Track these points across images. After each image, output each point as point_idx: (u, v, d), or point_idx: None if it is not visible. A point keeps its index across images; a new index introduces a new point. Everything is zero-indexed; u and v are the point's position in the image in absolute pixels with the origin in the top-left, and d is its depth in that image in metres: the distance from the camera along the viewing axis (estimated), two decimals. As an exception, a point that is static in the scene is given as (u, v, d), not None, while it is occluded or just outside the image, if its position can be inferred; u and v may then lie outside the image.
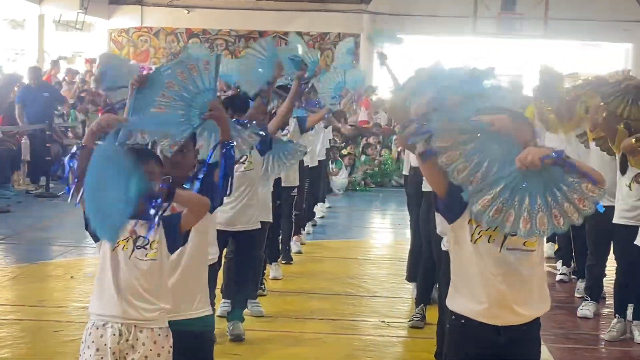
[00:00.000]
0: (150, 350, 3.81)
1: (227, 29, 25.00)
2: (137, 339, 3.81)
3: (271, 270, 8.45)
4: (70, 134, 17.04)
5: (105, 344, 3.79)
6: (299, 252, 9.84)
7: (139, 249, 3.84)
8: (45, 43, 22.65)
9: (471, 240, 3.58)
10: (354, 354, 6.42)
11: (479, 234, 3.57)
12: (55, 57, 21.87)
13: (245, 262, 6.58)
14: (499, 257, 3.56)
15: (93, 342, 3.82)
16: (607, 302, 7.82)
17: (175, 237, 3.92)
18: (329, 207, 13.31)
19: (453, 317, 3.70)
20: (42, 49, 22.35)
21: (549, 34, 22.84)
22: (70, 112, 17.27)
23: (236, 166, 6.21)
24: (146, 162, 3.82)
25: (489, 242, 3.57)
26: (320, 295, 8.09)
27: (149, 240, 3.85)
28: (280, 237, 8.92)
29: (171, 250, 3.95)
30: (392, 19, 24.01)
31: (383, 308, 7.72)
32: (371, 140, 18.12)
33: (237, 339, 6.48)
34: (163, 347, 3.85)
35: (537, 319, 3.68)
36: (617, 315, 6.86)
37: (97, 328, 3.83)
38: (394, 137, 18.28)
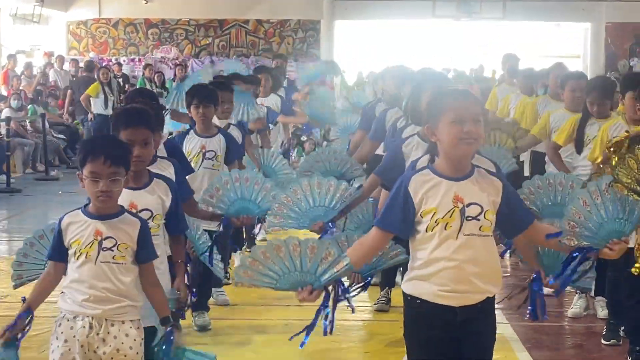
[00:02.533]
0: (122, 343, 3.80)
1: (187, 19, 24.86)
2: (109, 333, 3.80)
3: (235, 259, 8.41)
4: (29, 128, 16.90)
5: (74, 336, 3.78)
6: (264, 240, 9.82)
7: (104, 250, 3.79)
8: (2, 37, 22.42)
9: (426, 231, 3.61)
10: (321, 339, 6.40)
11: (435, 222, 3.59)
12: (12, 51, 21.65)
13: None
14: (455, 242, 3.59)
15: (62, 333, 3.81)
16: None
17: (149, 249, 3.91)
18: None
19: (409, 298, 3.73)
20: (-1, 43, 22.14)
21: (507, 15, 22.96)
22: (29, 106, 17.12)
23: (205, 161, 6.23)
24: (93, 160, 3.75)
25: (445, 229, 3.59)
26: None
27: (117, 242, 3.81)
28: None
29: (142, 260, 3.89)
30: (351, 4, 24.01)
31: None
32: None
33: (203, 329, 6.46)
34: (135, 340, 3.83)
35: (493, 296, 3.72)
36: (578, 291, 6.92)
37: (68, 320, 3.82)
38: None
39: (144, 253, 3.88)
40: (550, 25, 25.97)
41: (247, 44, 24.88)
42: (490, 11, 22.78)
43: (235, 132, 7.11)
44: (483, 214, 3.59)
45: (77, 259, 3.80)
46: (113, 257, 3.79)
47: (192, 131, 6.47)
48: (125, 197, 4.16)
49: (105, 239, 3.79)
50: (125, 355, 3.80)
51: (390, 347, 6.06)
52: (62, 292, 3.88)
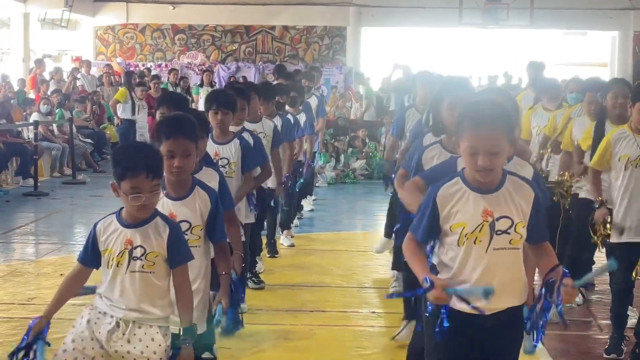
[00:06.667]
0: (147, 346, 3.81)
1: (213, 24, 24.97)
2: (135, 334, 3.82)
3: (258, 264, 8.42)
4: (57, 132, 17.01)
5: (95, 323, 3.82)
6: (292, 246, 9.84)
7: (134, 260, 3.81)
8: (31, 41, 22.59)
9: (458, 245, 3.60)
10: (345, 345, 6.42)
11: (465, 236, 3.57)
12: (39, 55, 21.80)
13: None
14: (485, 256, 3.58)
15: (88, 314, 3.86)
16: (595, 289, 7.85)
17: (180, 253, 3.90)
18: (315, 200, 13.30)
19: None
20: (28, 47, 22.30)
21: (534, 23, 22.86)
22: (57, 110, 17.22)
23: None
24: (135, 176, 3.72)
25: (475, 243, 3.58)
26: (311, 287, 8.09)
27: (145, 251, 3.82)
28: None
29: (173, 264, 3.89)
30: (378, 11, 24.01)
31: (373, 299, 7.73)
32: (359, 133, 18.12)
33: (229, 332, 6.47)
34: (160, 345, 3.84)
35: (519, 308, 3.70)
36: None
37: (99, 312, 3.86)
38: (382, 129, 18.34)
39: (174, 257, 3.87)
40: (577, 34, 25.85)
41: (274, 50, 24.95)
42: (517, 19, 22.67)
43: (248, 138, 7.08)
44: (514, 227, 3.56)
45: (109, 267, 3.83)
46: (142, 267, 3.81)
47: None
48: (166, 208, 4.22)
49: (135, 248, 3.80)
50: (148, 359, 3.81)
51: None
52: (98, 294, 3.92)
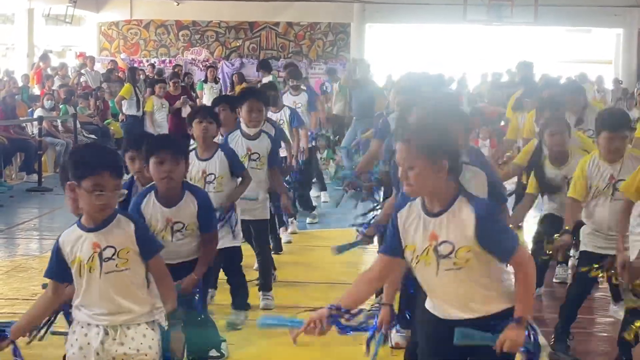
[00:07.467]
0: (141, 343, 3.83)
1: (217, 21, 24.96)
2: (126, 336, 3.82)
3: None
4: (61, 128, 17.01)
5: (88, 343, 3.80)
6: (289, 242, 9.85)
7: (106, 261, 3.77)
8: (35, 37, 22.60)
9: (413, 266, 3.65)
10: (348, 340, 6.39)
11: (416, 258, 3.60)
12: (43, 51, 21.79)
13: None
14: (436, 278, 3.58)
15: (77, 340, 3.83)
16: (599, 286, 7.83)
17: (150, 243, 3.93)
18: (318, 196, 13.28)
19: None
20: (32, 43, 22.31)
21: (539, 20, 22.81)
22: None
23: (207, 185, 6.12)
24: (98, 174, 3.69)
25: (426, 266, 3.59)
26: (315, 284, 8.11)
27: (116, 249, 3.78)
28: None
29: (147, 257, 3.88)
30: (382, 8, 24.00)
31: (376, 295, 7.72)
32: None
33: (233, 327, 6.48)
34: (153, 339, 3.86)
35: (508, 311, 3.56)
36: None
37: (82, 327, 3.84)
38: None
39: (147, 249, 3.86)
40: (581, 31, 25.80)
41: (277, 47, 24.94)
42: (522, 16, 22.62)
43: (265, 140, 7.07)
44: (454, 252, 3.50)
45: (81, 275, 3.79)
46: (116, 266, 3.78)
47: (192, 154, 6.17)
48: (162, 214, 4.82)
49: (104, 249, 3.77)
50: (146, 355, 3.83)
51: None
52: (75, 307, 3.88)
